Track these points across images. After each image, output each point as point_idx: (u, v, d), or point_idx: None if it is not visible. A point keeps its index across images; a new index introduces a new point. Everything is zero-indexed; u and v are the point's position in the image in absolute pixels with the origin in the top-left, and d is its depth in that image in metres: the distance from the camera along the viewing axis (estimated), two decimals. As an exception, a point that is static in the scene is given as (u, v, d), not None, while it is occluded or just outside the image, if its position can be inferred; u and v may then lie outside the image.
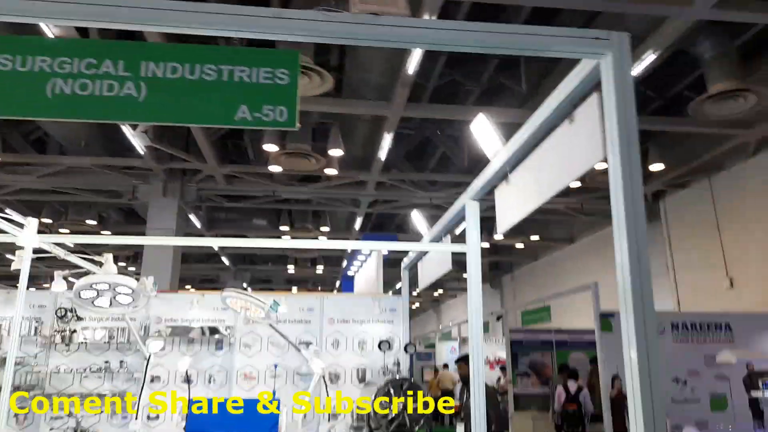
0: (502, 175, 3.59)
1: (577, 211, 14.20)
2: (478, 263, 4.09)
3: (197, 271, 21.66)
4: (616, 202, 2.13)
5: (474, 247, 4.08)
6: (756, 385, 5.41)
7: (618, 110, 2.07)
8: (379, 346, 6.13)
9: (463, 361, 5.09)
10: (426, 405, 5.32)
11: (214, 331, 6.18)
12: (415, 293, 27.36)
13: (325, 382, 5.71)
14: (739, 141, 9.60)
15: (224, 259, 20.24)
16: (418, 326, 35.47)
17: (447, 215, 4.87)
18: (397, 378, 5.63)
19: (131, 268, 18.76)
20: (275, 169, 10.66)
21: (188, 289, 14.49)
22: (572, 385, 8.49)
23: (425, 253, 5.73)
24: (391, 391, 5.42)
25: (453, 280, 25.73)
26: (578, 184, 11.11)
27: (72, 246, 7.30)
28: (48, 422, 5.59)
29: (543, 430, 9.37)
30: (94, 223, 13.88)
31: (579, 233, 16.69)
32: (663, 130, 10.27)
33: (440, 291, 28.87)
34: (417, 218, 13.77)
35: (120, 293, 5.10)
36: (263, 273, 23.18)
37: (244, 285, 21.09)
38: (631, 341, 1.96)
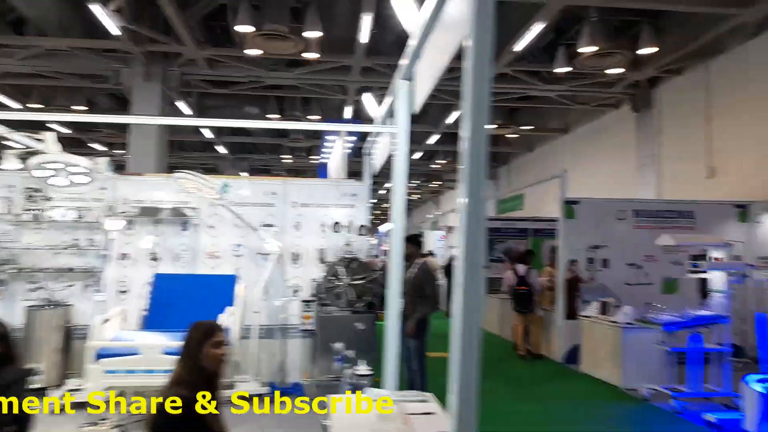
0: (417, 52, 3.53)
1: (569, 100, 13.88)
2: (406, 144, 4.13)
3: (195, 160, 21.92)
4: (465, 80, 2.12)
5: (403, 127, 4.11)
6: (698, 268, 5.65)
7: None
8: (333, 228, 6.41)
9: (408, 241, 5.33)
10: (372, 280, 5.68)
11: (179, 212, 6.45)
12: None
13: (285, 261, 6.03)
14: (738, 21, 9.06)
15: (221, 149, 20.38)
16: (417, 216, 36.24)
17: (389, 97, 4.84)
18: (347, 257, 5.94)
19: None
20: (253, 52, 10.39)
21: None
22: (521, 269, 8.87)
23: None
24: (339, 268, 5.75)
25: (452, 172, 25.91)
26: (567, 69, 10.77)
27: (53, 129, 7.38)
28: (23, 294, 6.07)
29: (507, 309, 9.92)
30: (84, 108, 13.86)
31: (573, 123, 16.40)
32: (659, 10, 9.70)
33: (439, 182, 29.13)
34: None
35: (75, 173, 5.30)
36: (261, 162, 23.40)
37: (242, 174, 21.40)
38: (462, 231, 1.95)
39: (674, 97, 11.91)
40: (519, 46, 10.02)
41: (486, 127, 2.11)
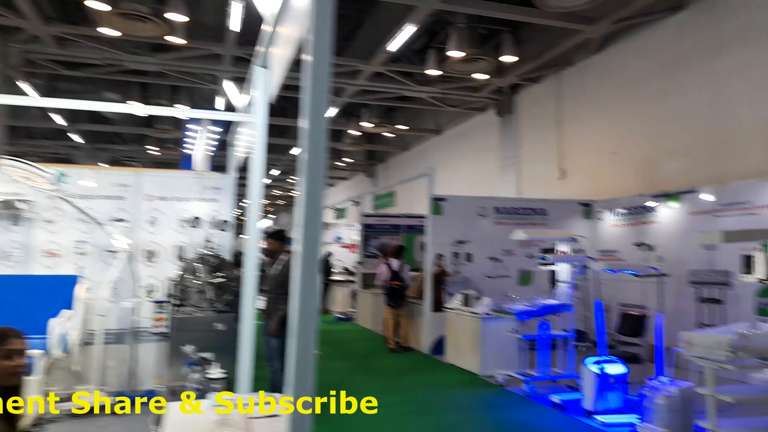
0: (271, 39, 3.38)
1: (440, 102, 14.44)
2: (264, 134, 3.95)
3: (45, 149, 19.67)
4: (305, 74, 2.01)
5: (260, 117, 3.92)
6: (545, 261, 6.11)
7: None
8: (191, 223, 6.02)
9: (272, 237, 5.15)
10: (234, 278, 5.41)
11: (8, 205, 5.66)
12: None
13: (137, 259, 5.52)
14: (584, 37, 9.99)
15: (76, 137, 18.47)
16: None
17: (248, 84, 4.62)
18: (206, 254, 5.60)
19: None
20: (109, 32, 9.49)
21: None
22: (395, 263, 9.07)
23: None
24: (196, 266, 5.41)
25: (331, 169, 25.92)
26: (438, 72, 11.15)
27: None
28: None
29: (381, 304, 10.06)
30: None
31: (445, 124, 17.14)
32: (519, 22, 10.38)
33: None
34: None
35: None
36: (123, 153, 21.61)
37: (102, 165, 19.57)
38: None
39: (532, 103, 12.88)
40: (393, 46, 10.20)
41: (325, 120, 2.03)
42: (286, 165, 25.12)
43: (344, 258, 15.46)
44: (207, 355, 4.23)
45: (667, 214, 8.17)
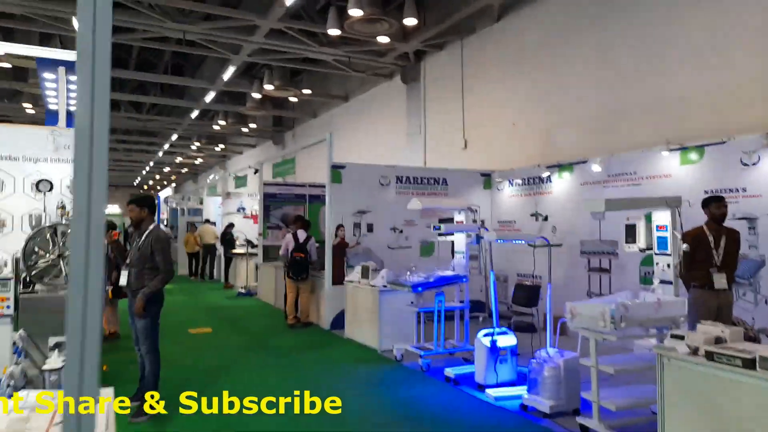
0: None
1: (347, 66, 13.92)
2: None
3: None
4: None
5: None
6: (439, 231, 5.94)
7: None
8: (37, 187, 5.21)
9: (135, 203, 4.51)
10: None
11: None
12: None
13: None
14: (486, 2, 9.85)
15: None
16: (202, 182, 34.02)
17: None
18: (59, 223, 4.85)
19: None
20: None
21: None
22: (302, 235, 8.63)
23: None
24: (48, 236, 4.66)
25: (237, 135, 24.63)
26: (338, 32, 10.60)
27: None
28: None
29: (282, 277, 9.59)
30: None
31: (352, 91, 16.65)
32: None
33: (222, 146, 27.54)
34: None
35: None
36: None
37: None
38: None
39: (437, 71, 12.71)
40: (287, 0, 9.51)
41: (106, 75, 1.55)
42: (186, 130, 23.53)
43: (247, 230, 14.73)
44: (60, 339, 3.64)
45: (560, 184, 8.32)
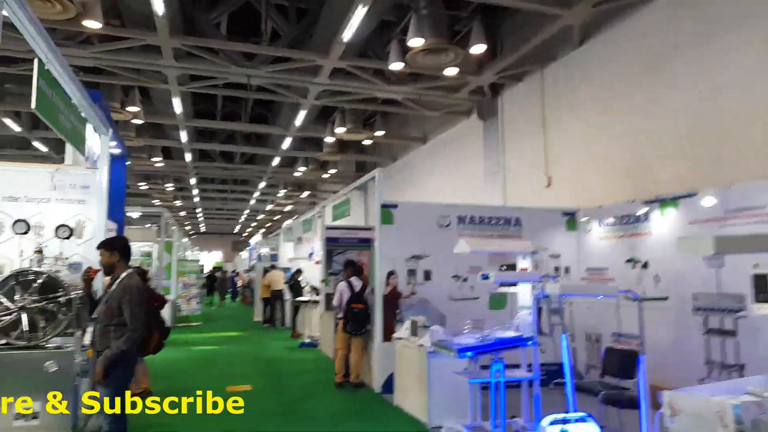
0: None
1: (419, 105, 13.15)
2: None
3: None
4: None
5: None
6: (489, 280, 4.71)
7: None
8: (56, 232, 4.69)
9: (103, 247, 3.80)
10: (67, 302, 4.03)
11: None
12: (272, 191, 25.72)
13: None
14: (563, 24, 8.68)
15: None
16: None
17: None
18: (30, 271, 4.26)
19: None
20: None
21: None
22: (357, 283, 7.65)
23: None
24: (16, 287, 4.07)
25: (321, 182, 24.66)
26: (401, 65, 9.84)
27: None
28: None
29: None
30: None
31: (431, 132, 15.83)
32: (486, 4, 9.03)
33: (307, 192, 27.72)
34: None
35: None
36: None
37: None
38: None
39: (515, 104, 11.55)
40: (347, 34, 8.93)
41: None
42: (271, 177, 23.90)
43: (316, 276, 14.06)
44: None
45: (662, 223, 6.71)
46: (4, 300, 4.01)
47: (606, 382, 5.66)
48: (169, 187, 26.09)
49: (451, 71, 10.01)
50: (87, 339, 3.83)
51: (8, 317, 3.99)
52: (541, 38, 9.19)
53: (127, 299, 3.66)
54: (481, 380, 4.93)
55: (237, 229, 48.38)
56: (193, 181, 24.40)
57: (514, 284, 5.30)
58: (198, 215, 39.43)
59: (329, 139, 16.15)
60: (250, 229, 48.56)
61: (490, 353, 4.84)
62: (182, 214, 37.78)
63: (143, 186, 25.44)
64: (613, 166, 8.63)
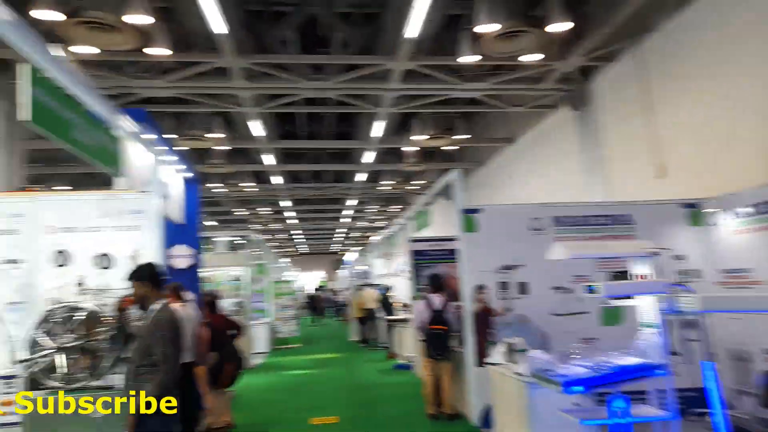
0: None
1: (497, 99, 12.13)
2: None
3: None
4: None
5: None
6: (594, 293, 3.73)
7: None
8: (95, 263, 4.38)
9: (134, 278, 3.33)
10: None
11: None
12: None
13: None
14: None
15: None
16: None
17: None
18: (70, 304, 3.91)
19: None
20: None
21: None
22: (437, 301, 6.86)
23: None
24: (55, 321, 3.72)
25: (409, 194, 24.05)
26: (474, 59, 8.96)
27: None
28: None
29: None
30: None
31: (518, 130, 14.68)
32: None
33: (397, 207, 27.23)
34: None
35: None
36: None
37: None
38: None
39: (611, 89, 10.22)
40: (411, 31, 8.23)
41: None
42: (359, 194, 23.68)
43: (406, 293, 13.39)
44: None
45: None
46: (41, 339, 3.71)
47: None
48: (265, 211, 26.76)
49: (531, 58, 8.98)
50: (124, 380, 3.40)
51: (46, 359, 3.67)
52: (632, 8, 7.94)
53: (158, 336, 3.16)
54: (597, 422, 3.92)
55: (335, 248, 49.03)
56: (286, 203, 24.79)
57: (631, 297, 4.24)
58: (296, 237, 40.35)
59: (411, 149, 15.50)
60: (347, 248, 49.06)
61: (607, 387, 3.84)
62: (280, 236, 38.85)
63: (240, 212, 26.30)
64: (742, 144, 7.16)
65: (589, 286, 3.81)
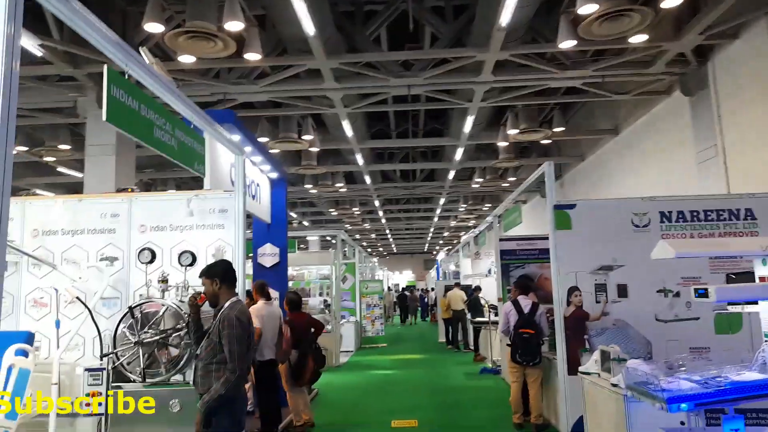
0: None
1: (599, 88, 11.28)
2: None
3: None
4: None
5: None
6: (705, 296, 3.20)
7: None
8: (179, 260, 4.53)
9: (206, 275, 3.33)
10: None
11: None
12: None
13: (90, 310, 4.19)
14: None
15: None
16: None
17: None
18: (153, 300, 4.02)
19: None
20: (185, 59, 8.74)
21: None
22: (525, 303, 6.45)
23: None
24: (137, 317, 3.85)
25: (503, 192, 23.28)
26: (573, 43, 8.38)
27: None
28: None
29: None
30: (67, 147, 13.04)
31: (623, 120, 13.62)
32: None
33: (489, 205, 26.48)
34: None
35: None
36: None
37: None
38: None
39: (733, 68, 9.10)
40: (504, 18, 7.83)
41: None
42: (449, 192, 23.30)
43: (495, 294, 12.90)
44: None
45: None
46: (125, 334, 3.88)
47: None
48: (356, 211, 27.21)
49: (638, 38, 8.21)
50: (191, 377, 3.45)
51: (127, 353, 3.83)
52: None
53: (225, 333, 3.15)
54: (710, 443, 3.40)
55: (426, 247, 48.90)
56: (377, 203, 25.01)
57: (754, 302, 3.64)
58: (386, 237, 40.70)
59: (503, 144, 14.92)
60: (438, 247, 48.69)
61: (720, 405, 3.31)
62: (372, 236, 39.37)
63: (333, 212, 26.92)
64: None
65: (699, 289, 3.30)
